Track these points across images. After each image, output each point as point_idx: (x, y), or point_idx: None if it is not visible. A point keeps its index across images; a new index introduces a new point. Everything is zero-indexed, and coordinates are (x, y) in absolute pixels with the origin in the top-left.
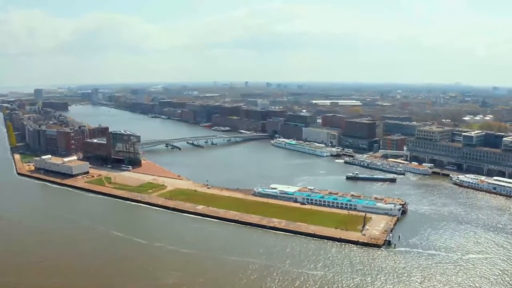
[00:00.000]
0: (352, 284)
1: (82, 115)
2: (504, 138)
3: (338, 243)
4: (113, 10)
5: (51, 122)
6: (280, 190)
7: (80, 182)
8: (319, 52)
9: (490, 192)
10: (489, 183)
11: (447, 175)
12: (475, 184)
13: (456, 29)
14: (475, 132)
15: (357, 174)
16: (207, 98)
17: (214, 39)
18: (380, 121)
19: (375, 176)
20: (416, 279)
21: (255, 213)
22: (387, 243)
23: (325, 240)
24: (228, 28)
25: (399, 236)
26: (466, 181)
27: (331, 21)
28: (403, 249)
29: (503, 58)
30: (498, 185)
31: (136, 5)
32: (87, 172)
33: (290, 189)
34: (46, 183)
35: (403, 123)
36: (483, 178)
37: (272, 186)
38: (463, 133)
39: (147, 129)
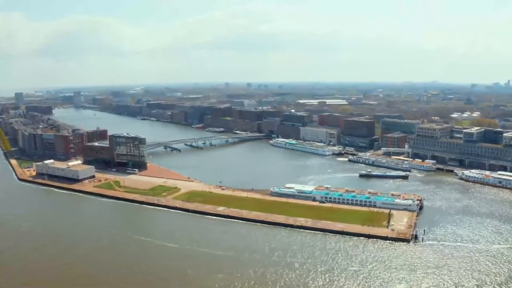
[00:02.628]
0: (408, 279)
1: (68, 118)
2: (504, 134)
3: (370, 239)
4: (93, 12)
5: (40, 126)
6: (297, 189)
7: (88, 186)
8: (300, 52)
9: (495, 186)
10: (494, 178)
11: (451, 171)
12: (480, 178)
13: (433, 28)
14: (475, 129)
15: (369, 171)
16: (193, 100)
17: (195, 40)
18: (373, 119)
19: (387, 174)
20: (464, 272)
21: (279, 213)
22: (414, 237)
23: (356, 237)
24: (209, 29)
25: (424, 230)
26: (472, 176)
27: (311, 21)
28: (431, 242)
29: (478, 57)
30: (504, 179)
31: (115, 7)
32: (93, 177)
33: (306, 188)
34: (52, 188)
35: (401, 121)
36: (487, 173)
37: (288, 185)
38: (464, 130)
39: (139, 131)
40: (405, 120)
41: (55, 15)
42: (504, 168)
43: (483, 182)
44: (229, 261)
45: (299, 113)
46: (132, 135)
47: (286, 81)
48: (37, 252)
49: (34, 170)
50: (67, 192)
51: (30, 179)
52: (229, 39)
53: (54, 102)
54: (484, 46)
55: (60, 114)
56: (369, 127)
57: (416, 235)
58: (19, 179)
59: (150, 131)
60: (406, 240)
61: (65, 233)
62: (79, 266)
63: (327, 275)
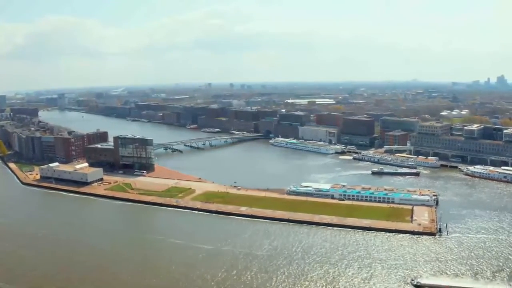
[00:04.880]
0: (456, 269)
1: (55, 121)
2: (505, 131)
3: (399, 234)
4: (70, 14)
5: (32, 128)
6: (315, 188)
7: (99, 189)
8: (277, 52)
9: (501, 181)
10: (499, 173)
11: (455, 167)
12: (485, 174)
13: (409, 28)
14: (475, 126)
15: (382, 169)
16: (178, 100)
17: (172, 41)
18: (372, 118)
19: (399, 171)
20: (499, 261)
21: (302, 211)
22: (439, 231)
23: (385, 233)
24: (186, 30)
25: (446, 224)
26: (477, 172)
27: (288, 21)
28: (456, 235)
29: (453, 55)
30: (508, 173)
31: (91, 8)
32: (101, 179)
33: (323, 186)
34: (60, 192)
35: (400, 119)
36: (491, 168)
37: (304, 184)
38: (464, 128)
39: (134, 133)
40: (404, 118)
41: (31, 17)
42: (506, 164)
43: (488, 177)
44: (280, 262)
45: (296, 113)
46: (138, 136)
47: (263, 81)
48: (70, 257)
49: (37, 174)
50: (78, 195)
51: (35, 183)
52: (205, 40)
53: (37, 104)
54: (459, 45)
55: (45, 117)
56: (369, 125)
57: (440, 229)
58: (23, 183)
59: (144, 133)
60: (433, 234)
61: (89, 239)
62: (115, 272)
63: (392, 270)
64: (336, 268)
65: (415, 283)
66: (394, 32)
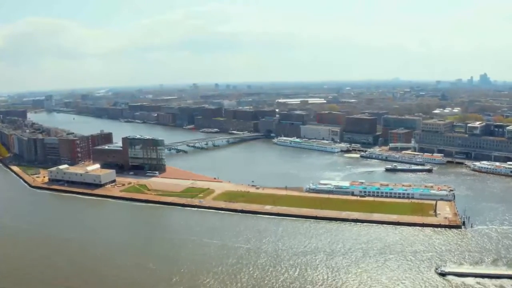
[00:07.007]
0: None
1: (46, 123)
2: (507, 128)
3: (427, 228)
4: (48, 15)
5: (27, 130)
6: (335, 185)
7: (114, 191)
8: (259, 52)
9: (508, 176)
10: (506, 168)
11: (461, 163)
12: (492, 169)
13: (387, 27)
14: (478, 123)
15: (395, 166)
16: (167, 101)
17: (152, 42)
18: (375, 116)
19: (412, 168)
20: None
21: (327, 208)
22: (463, 224)
23: (414, 227)
24: (166, 30)
25: (469, 217)
26: (485, 167)
27: (268, 21)
28: (481, 227)
29: (436, 54)
30: None
31: (71, 10)
32: (114, 181)
33: (342, 183)
34: (74, 195)
35: (402, 117)
36: (497, 163)
37: (323, 181)
38: (467, 125)
39: (131, 134)
40: (406, 116)
41: (9, 18)
42: (510, 159)
43: (495, 172)
44: (327, 259)
45: (297, 112)
46: (148, 137)
47: (246, 81)
48: (107, 260)
49: (44, 177)
50: (93, 198)
51: (45, 186)
52: (186, 40)
53: (23, 106)
54: (438, 44)
55: (34, 119)
56: (372, 124)
57: (464, 222)
58: (31, 186)
59: (142, 134)
60: (458, 227)
61: (120, 241)
62: (163, 273)
63: (426, 262)
64: (379, 262)
65: (439, 271)
66: (374, 32)
